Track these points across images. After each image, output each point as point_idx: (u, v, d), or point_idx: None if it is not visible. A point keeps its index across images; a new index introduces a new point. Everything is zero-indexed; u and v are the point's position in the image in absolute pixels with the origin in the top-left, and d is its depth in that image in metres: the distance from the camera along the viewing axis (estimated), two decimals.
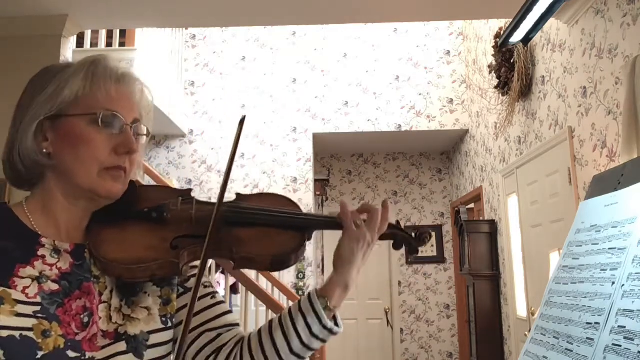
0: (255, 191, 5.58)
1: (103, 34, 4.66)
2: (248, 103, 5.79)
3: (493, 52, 4.38)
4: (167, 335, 0.85)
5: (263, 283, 4.13)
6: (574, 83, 3.23)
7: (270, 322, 0.88)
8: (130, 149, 0.79)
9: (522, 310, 4.10)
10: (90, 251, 0.79)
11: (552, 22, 3.45)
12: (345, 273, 0.87)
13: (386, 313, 6.41)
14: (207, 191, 5.55)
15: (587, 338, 0.83)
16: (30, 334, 0.69)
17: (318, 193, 6.08)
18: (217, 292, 0.94)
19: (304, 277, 5.39)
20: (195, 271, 0.90)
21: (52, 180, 0.79)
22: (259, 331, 0.88)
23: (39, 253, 0.75)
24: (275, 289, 4.15)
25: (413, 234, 0.95)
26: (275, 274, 4.28)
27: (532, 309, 3.72)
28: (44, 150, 0.77)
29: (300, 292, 5.26)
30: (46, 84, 0.79)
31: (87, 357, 0.74)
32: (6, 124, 0.82)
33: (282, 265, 0.86)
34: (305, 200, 5.55)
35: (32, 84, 0.82)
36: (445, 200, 6.67)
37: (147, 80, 0.89)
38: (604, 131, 2.85)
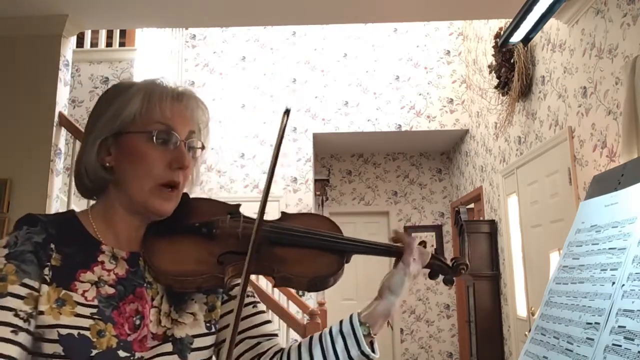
0: (255, 191, 5.58)
1: (103, 34, 4.65)
2: (248, 103, 5.79)
3: (493, 52, 4.38)
4: (210, 339, 0.89)
5: (263, 283, 4.13)
6: (574, 83, 3.23)
7: (310, 338, 0.91)
8: (182, 164, 0.85)
9: (522, 310, 4.10)
10: (144, 259, 0.85)
11: (552, 22, 3.45)
12: (390, 304, 0.89)
13: None
14: (207, 191, 5.55)
15: (587, 338, 0.83)
16: (87, 333, 0.76)
17: (318, 193, 6.08)
18: (259, 302, 0.98)
19: None
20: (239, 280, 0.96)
21: (113, 192, 0.86)
22: (299, 346, 0.91)
23: (99, 259, 0.82)
24: (275, 290, 4.15)
25: (450, 264, 0.96)
26: None
27: (532, 309, 3.72)
28: (107, 164, 0.84)
29: (300, 293, 5.25)
30: (110, 103, 0.86)
31: (136, 356, 0.79)
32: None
33: (319, 287, 0.88)
34: (305, 200, 5.55)
35: (99, 102, 0.88)
36: (445, 200, 6.67)
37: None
38: (604, 131, 2.85)
